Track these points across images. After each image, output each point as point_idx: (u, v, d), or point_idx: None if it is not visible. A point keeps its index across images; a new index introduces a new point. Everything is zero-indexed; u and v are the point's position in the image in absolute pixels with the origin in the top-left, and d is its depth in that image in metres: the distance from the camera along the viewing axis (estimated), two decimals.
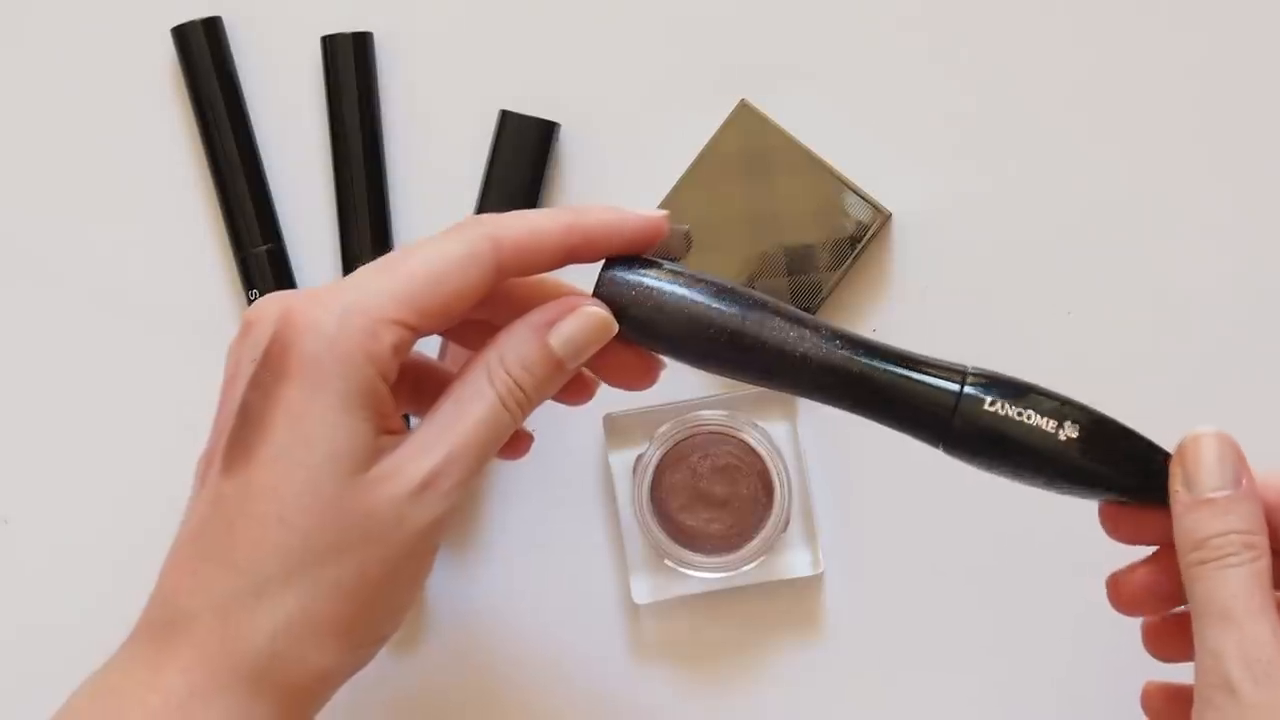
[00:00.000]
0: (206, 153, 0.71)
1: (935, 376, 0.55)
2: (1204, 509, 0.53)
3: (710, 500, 0.68)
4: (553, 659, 0.70)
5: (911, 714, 0.69)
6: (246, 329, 0.55)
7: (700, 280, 0.56)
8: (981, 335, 0.69)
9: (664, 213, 0.57)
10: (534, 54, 0.71)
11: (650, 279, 0.56)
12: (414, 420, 0.61)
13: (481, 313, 0.57)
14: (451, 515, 0.55)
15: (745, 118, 0.68)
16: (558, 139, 0.70)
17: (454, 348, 0.66)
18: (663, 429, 0.68)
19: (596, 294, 0.56)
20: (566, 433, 0.69)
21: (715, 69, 0.70)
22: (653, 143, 0.70)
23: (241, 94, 0.71)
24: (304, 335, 0.53)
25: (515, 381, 0.55)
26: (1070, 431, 0.54)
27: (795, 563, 0.69)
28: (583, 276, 0.57)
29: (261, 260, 0.70)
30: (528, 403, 0.55)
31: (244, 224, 0.70)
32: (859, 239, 0.68)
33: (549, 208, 0.65)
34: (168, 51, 0.71)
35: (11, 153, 0.72)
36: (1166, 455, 0.54)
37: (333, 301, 0.54)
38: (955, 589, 0.69)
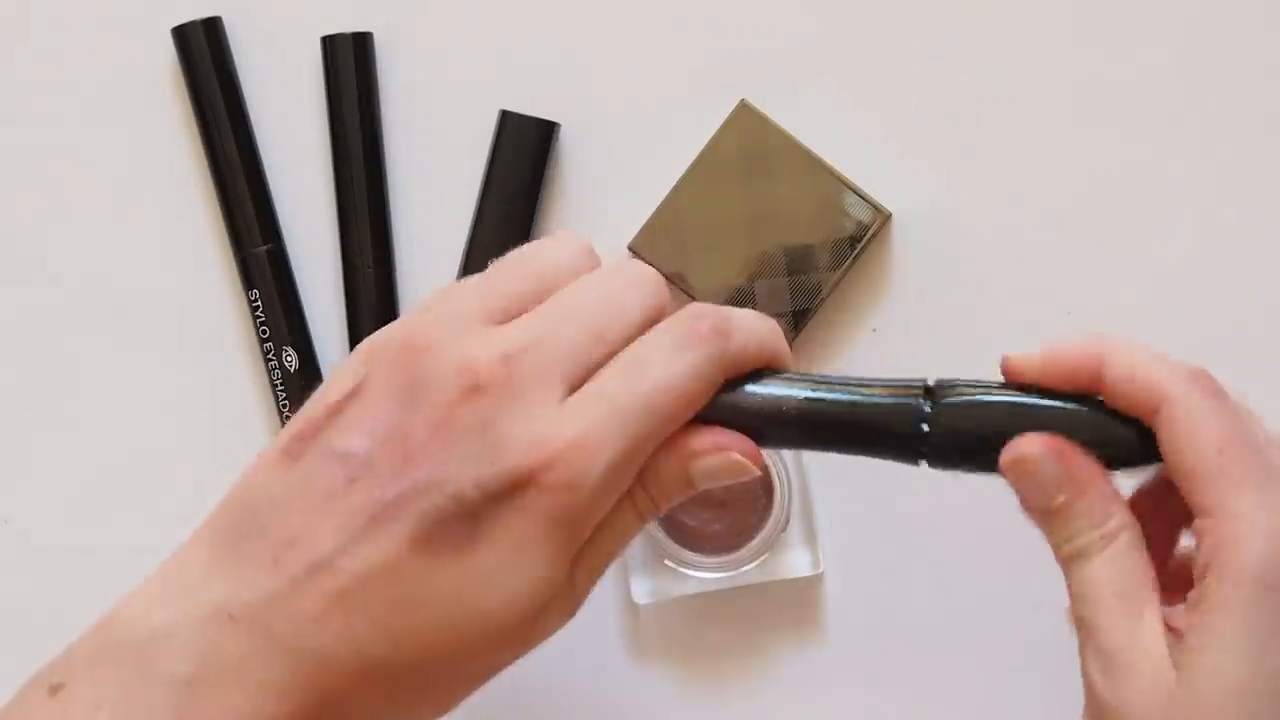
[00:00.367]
0: (206, 153, 0.71)
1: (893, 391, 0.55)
2: (1053, 519, 0.53)
3: (710, 500, 0.68)
4: (553, 659, 0.70)
5: (911, 714, 0.69)
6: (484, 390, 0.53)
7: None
8: (981, 335, 0.69)
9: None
10: (534, 54, 0.71)
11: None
12: None
13: None
14: None
15: (745, 118, 0.68)
16: (558, 139, 0.70)
17: None
18: None
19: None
20: None
21: (715, 69, 0.70)
22: (653, 143, 0.70)
23: (241, 94, 0.71)
24: (565, 490, 0.52)
25: (656, 509, 0.56)
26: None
27: (795, 563, 0.69)
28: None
29: (261, 260, 0.70)
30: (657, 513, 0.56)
31: (244, 224, 0.70)
32: (859, 239, 0.68)
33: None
34: (168, 51, 0.71)
35: (11, 152, 0.72)
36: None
37: (598, 455, 0.53)
38: (956, 589, 0.69)
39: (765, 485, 0.67)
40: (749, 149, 0.68)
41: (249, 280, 0.70)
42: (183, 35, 0.70)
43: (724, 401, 0.55)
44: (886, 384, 0.55)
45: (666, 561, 0.68)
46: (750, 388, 0.55)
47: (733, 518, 0.68)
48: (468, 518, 0.52)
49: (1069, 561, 0.53)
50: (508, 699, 0.69)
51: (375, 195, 0.70)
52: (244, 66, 0.71)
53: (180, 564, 0.54)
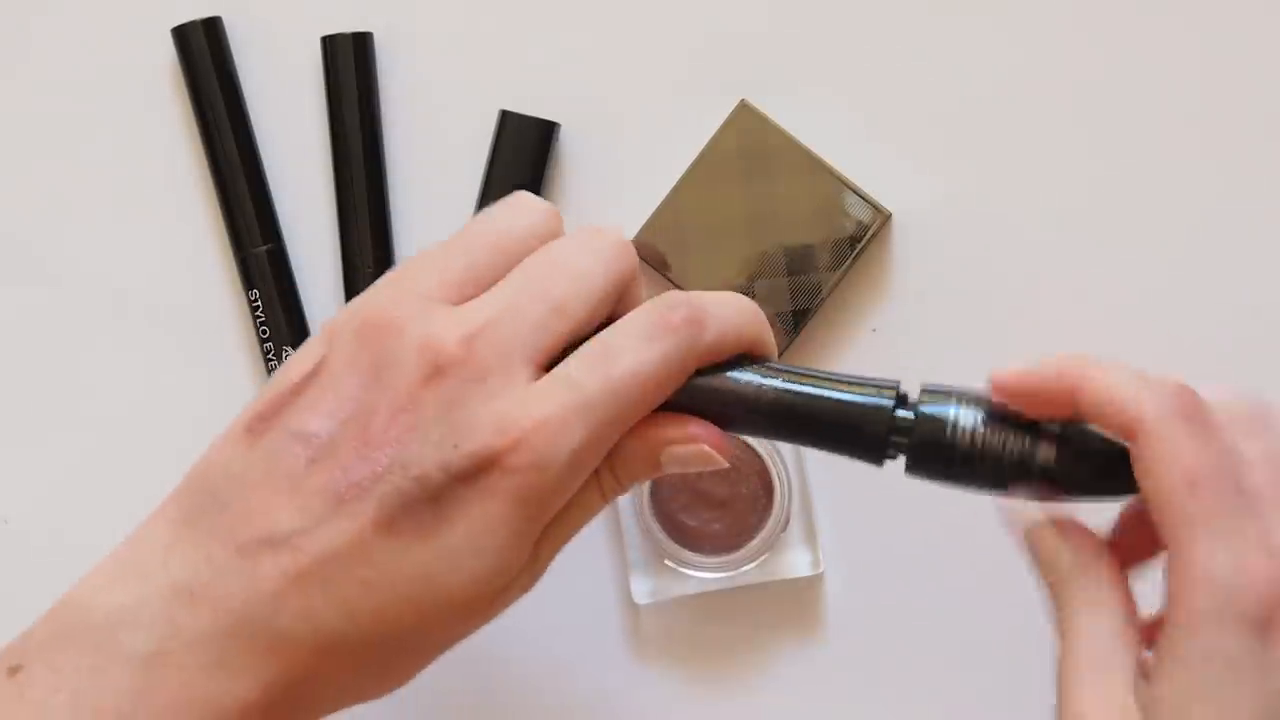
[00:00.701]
0: (206, 153, 0.71)
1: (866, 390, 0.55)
2: (1055, 592, 0.53)
3: (710, 500, 0.68)
4: (553, 659, 0.70)
5: (912, 714, 0.69)
6: (448, 370, 0.53)
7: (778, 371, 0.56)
8: (981, 335, 0.69)
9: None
10: (534, 54, 0.71)
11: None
12: None
13: None
14: None
15: (745, 118, 0.68)
16: (558, 139, 0.70)
17: None
18: None
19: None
20: None
21: (715, 69, 0.70)
22: (653, 143, 0.70)
23: (241, 94, 0.71)
24: (530, 472, 0.52)
25: (620, 489, 0.56)
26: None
27: (795, 563, 0.69)
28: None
29: (261, 260, 0.70)
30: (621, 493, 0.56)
31: (244, 224, 0.70)
32: (859, 239, 0.68)
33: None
34: (168, 51, 0.71)
35: (12, 152, 0.72)
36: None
37: (563, 439, 0.53)
38: (956, 589, 0.69)
39: (765, 485, 0.67)
40: (749, 149, 0.68)
41: (249, 280, 0.70)
42: (183, 35, 0.70)
43: (697, 386, 0.55)
44: (860, 382, 0.55)
45: (666, 561, 0.68)
46: (724, 375, 0.55)
47: (733, 518, 0.68)
48: (431, 500, 0.52)
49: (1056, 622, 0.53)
50: (508, 699, 0.70)
51: (375, 195, 0.70)
52: (244, 66, 0.71)
53: (138, 542, 0.54)
